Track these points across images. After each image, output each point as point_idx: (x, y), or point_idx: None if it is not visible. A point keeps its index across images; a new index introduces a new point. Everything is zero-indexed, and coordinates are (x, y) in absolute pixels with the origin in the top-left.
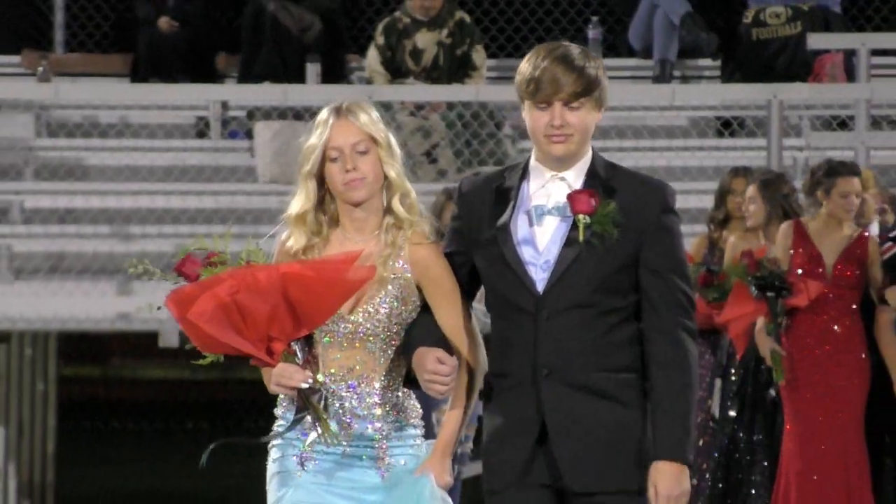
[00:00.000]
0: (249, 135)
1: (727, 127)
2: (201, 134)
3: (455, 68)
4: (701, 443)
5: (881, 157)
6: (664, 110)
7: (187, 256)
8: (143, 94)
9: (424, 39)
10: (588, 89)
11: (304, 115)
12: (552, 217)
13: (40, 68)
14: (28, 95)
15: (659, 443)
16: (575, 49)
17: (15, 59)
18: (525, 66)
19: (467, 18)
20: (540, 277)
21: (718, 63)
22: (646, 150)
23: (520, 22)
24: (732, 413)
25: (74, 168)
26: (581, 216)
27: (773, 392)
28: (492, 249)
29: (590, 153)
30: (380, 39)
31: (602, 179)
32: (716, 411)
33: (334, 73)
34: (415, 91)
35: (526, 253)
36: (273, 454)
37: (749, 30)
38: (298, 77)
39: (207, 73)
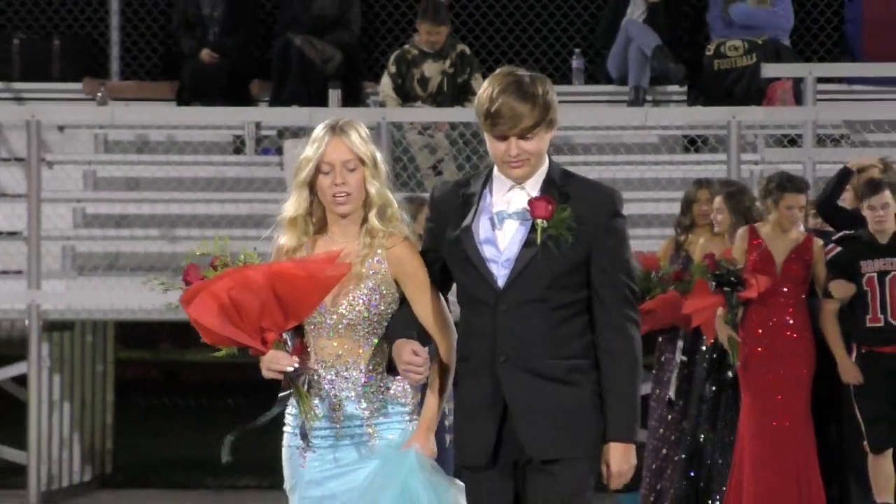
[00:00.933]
0: (279, 151)
1: (692, 144)
2: (237, 150)
3: (457, 93)
4: (674, 437)
5: (825, 170)
6: (637, 129)
7: (189, 266)
8: (187, 116)
9: (430, 69)
10: (540, 120)
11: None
12: (512, 221)
13: (99, 94)
14: (88, 118)
15: (610, 425)
16: (525, 79)
17: (77, 86)
18: (482, 98)
19: (468, 51)
20: (501, 274)
21: (685, 89)
22: (622, 164)
23: (512, 54)
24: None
25: (128, 180)
26: (539, 220)
27: (730, 374)
28: (457, 248)
29: (546, 163)
30: (392, 68)
31: (557, 186)
32: (672, 395)
33: (353, 98)
34: (422, 113)
35: (488, 252)
36: (285, 436)
37: (711, 61)
38: (321, 101)
39: (243, 98)
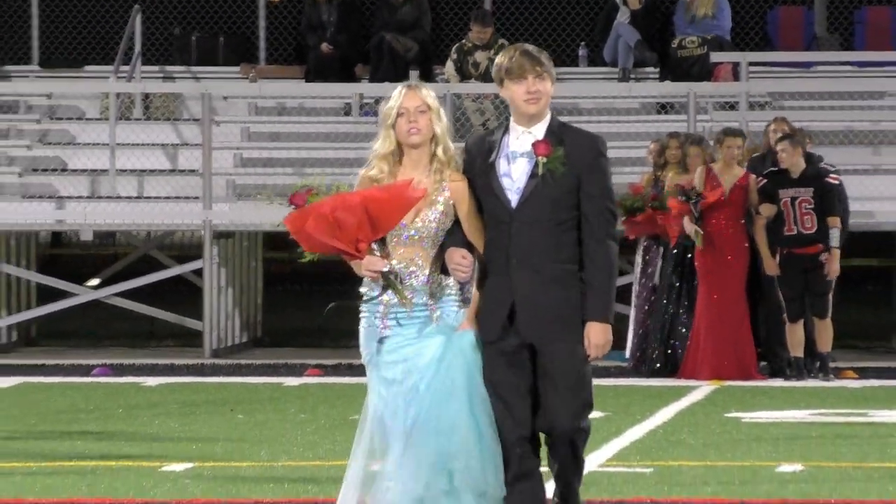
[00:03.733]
0: (376, 113)
1: (663, 108)
2: (347, 113)
3: None
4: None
5: (755, 126)
6: (624, 98)
7: (296, 193)
8: (312, 89)
9: (480, 56)
10: (547, 67)
11: None
12: (522, 159)
13: (251, 74)
14: (243, 91)
15: (590, 309)
16: (531, 47)
17: (235, 69)
18: (501, 60)
19: (506, 43)
20: (513, 199)
21: (657, 70)
22: (614, 122)
23: (536, 45)
24: (674, 280)
25: (271, 134)
26: (540, 158)
27: (689, 255)
28: (484, 180)
29: (549, 116)
30: (453, 56)
31: (556, 134)
32: (657, 281)
33: (426, 77)
34: (474, 87)
35: (505, 182)
36: (362, 319)
37: (675, 51)
38: (405, 79)
39: (350, 77)
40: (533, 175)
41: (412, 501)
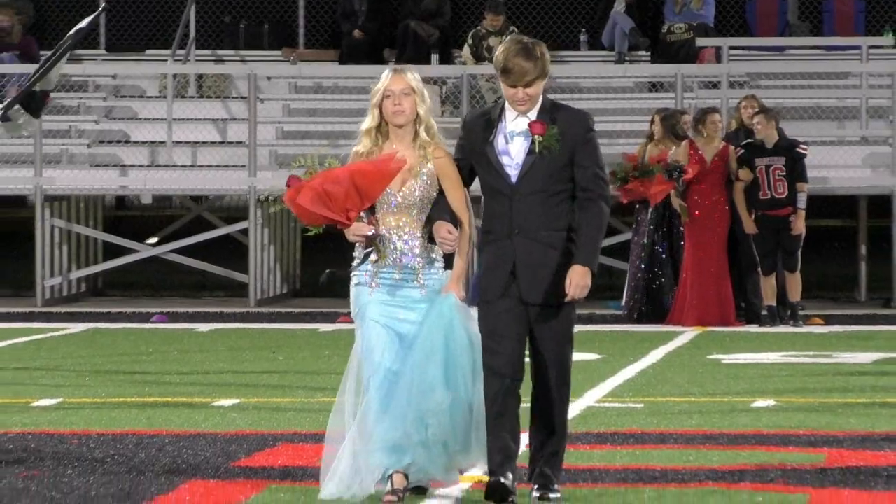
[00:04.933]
0: None
1: (654, 87)
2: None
3: None
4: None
5: (734, 103)
6: (620, 78)
7: (291, 176)
8: (345, 71)
9: (493, 41)
10: (539, 74)
11: (430, 81)
12: (519, 137)
13: (291, 57)
14: (285, 72)
15: (576, 256)
16: (529, 44)
17: (278, 52)
18: (499, 57)
19: (516, 30)
20: (513, 174)
21: (649, 54)
22: (611, 100)
23: (544, 31)
24: (657, 238)
25: (309, 110)
26: (536, 137)
27: (681, 227)
28: (484, 156)
29: (541, 97)
30: (469, 41)
31: (549, 113)
32: (645, 240)
33: (445, 59)
34: (488, 69)
35: (504, 159)
36: (353, 279)
37: (665, 36)
38: (427, 61)
39: (379, 59)
40: (530, 152)
41: (391, 445)
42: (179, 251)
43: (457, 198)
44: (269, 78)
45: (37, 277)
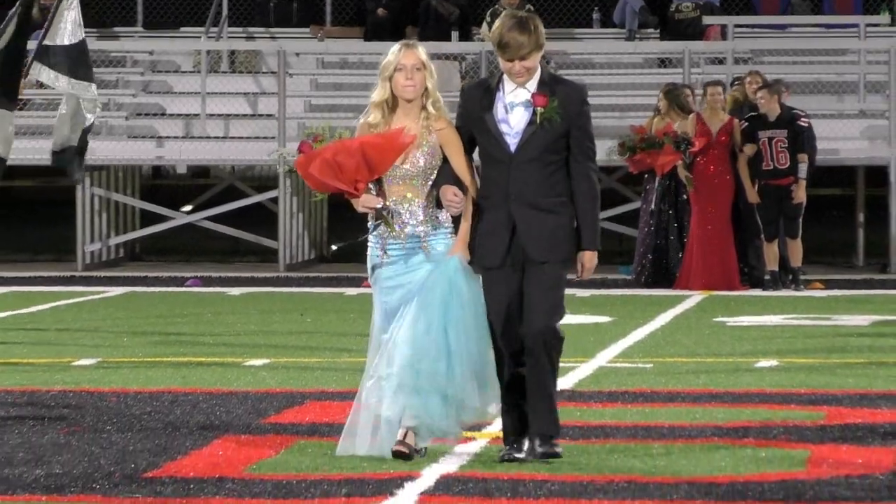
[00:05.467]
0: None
1: (663, 63)
2: None
3: None
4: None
5: (737, 74)
6: (630, 54)
7: (303, 142)
8: (369, 47)
9: None
10: (534, 47)
11: (450, 57)
12: (519, 108)
13: (319, 34)
14: (312, 48)
15: (583, 240)
16: (524, 18)
17: (306, 29)
18: (496, 32)
19: (532, 8)
20: (512, 143)
21: (658, 31)
22: (622, 75)
23: (558, 10)
24: (663, 206)
25: (335, 84)
26: (538, 108)
27: (685, 196)
28: (483, 125)
29: (539, 69)
30: (488, 19)
31: (548, 85)
32: (652, 208)
33: (465, 37)
34: None
35: (504, 128)
36: (368, 248)
37: (673, 14)
38: (447, 38)
39: (402, 36)
40: (531, 122)
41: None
42: (212, 218)
43: (460, 164)
44: (297, 54)
45: (78, 243)
